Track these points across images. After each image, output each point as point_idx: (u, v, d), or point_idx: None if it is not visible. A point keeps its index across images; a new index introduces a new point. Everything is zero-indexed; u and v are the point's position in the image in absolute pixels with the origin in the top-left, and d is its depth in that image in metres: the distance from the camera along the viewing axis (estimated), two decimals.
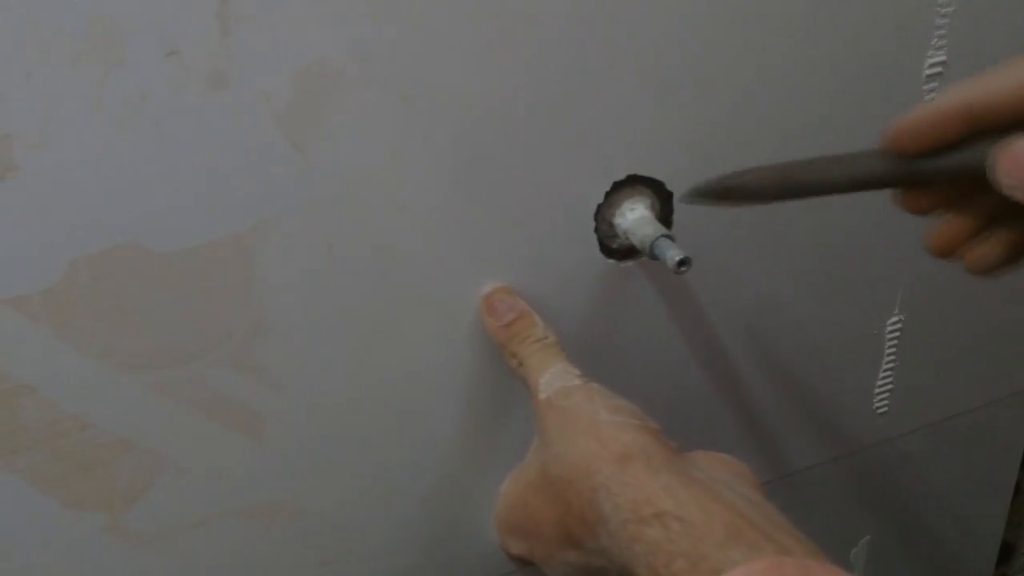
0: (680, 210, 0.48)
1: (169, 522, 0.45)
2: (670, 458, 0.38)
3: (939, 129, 0.34)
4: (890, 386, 0.60)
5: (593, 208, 0.46)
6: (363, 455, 0.48)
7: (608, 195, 0.46)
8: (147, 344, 0.41)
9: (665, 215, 0.47)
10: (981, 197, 0.37)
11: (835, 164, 0.37)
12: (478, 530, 0.52)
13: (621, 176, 0.46)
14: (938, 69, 0.50)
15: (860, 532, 0.67)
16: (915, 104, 0.48)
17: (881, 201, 0.52)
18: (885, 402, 0.60)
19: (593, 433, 0.39)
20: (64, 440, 0.41)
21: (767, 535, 0.34)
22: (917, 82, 0.50)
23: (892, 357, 0.59)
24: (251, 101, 0.38)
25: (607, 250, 0.48)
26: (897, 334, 0.58)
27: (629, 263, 0.49)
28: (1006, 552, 0.82)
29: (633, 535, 0.35)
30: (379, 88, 0.40)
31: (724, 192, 0.39)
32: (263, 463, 0.46)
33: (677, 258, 0.43)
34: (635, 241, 0.46)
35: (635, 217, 0.46)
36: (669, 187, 0.47)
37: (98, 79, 0.36)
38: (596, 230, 0.47)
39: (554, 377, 0.43)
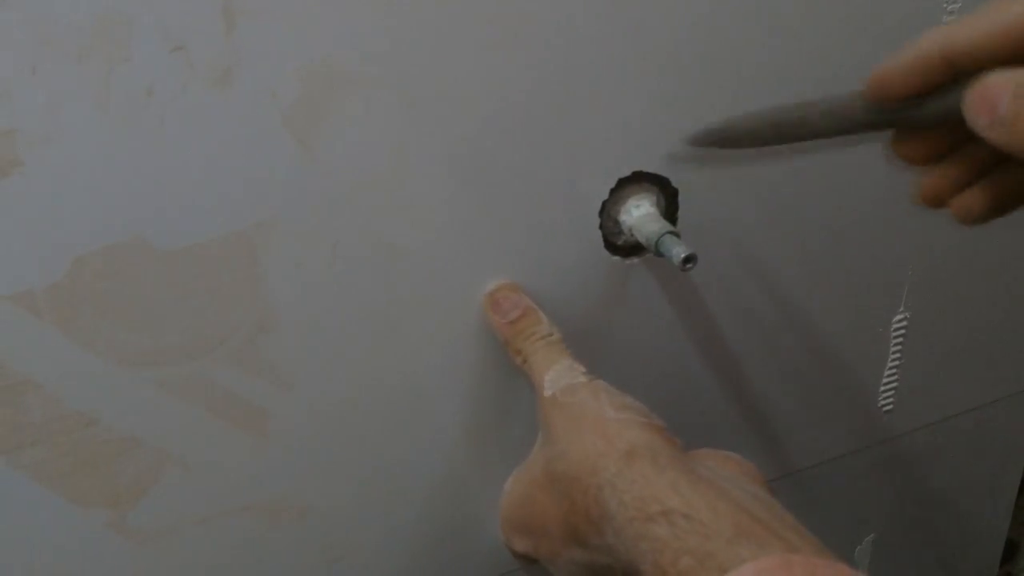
0: (685, 207, 0.48)
1: (174, 519, 0.45)
2: (676, 455, 0.38)
3: (919, 73, 0.33)
4: (895, 384, 0.60)
5: (598, 205, 0.46)
6: (368, 452, 0.48)
7: (613, 192, 0.46)
8: (152, 341, 0.41)
9: (670, 212, 0.47)
10: (969, 145, 0.35)
11: (824, 108, 0.36)
12: (483, 528, 0.52)
13: (626, 173, 0.46)
14: None
15: (865, 530, 0.67)
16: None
17: (887, 198, 0.52)
18: (890, 400, 0.60)
19: (599, 430, 0.39)
20: (69, 436, 0.41)
21: (775, 532, 0.34)
22: None
23: (897, 355, 0.59)
24: (257, 98, 0.38)
25: (612, 247, 0.48)
26: (903, 332, 0.58)
27: (634, 260, 0.48)
28: (1010, 550, 0.82)
29: (639, 532, 0.35)
30: (384, 86, 0.40)
31: (720, 137, 0.39)
32: (268, 460, 0.46)
33: (683, 255, 0.42)
34: (640, 238, 0.45)
35: (640, 214, 0.46)
36: (674, 184, 0.47)
37: (103, 75, 0.36)
38: (601, 227, 0.47)
39: (559, 374, 0.43)
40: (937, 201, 0.37)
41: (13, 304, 0.38)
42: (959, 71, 0.33)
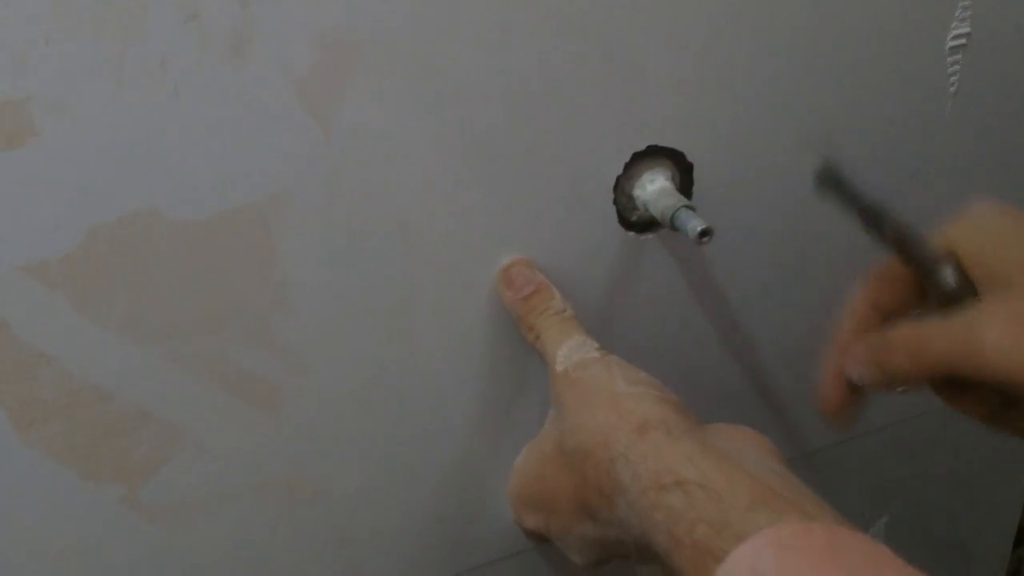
0: (701, 183, 0.47)
1: (187, 496, 0.45)
2: (690, 428, 0.38)
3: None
4: None
5: (612, 180, 0.46)
6: (381, 431, 0.48)
7: (627, 166, 0.46)
8: (166, 315, 0.41)
9: (685, 187, 0.47)
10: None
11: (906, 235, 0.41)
12: (496, 507, 0.51)
13: (641, 147, 0.45)
14: (962, 41, 0.49)
15: (878, 512, 0.67)
16: (939, 73, 0.48)
17: (902, 174, 0.52)
18: None
19: (611, 404, 0.39)
20: (82, 411, 0.41)
21: (792, 502, 0.33)
22: (941, 53, 0.49)
23: None
24: (271, 69, 0.38)
25: (626, 223, 0.47)
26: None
27: (649, 236, 0.48)
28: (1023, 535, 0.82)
29: (653, 503, 0.35)
30: (399, 60, 0.40)
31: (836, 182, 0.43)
32: (281, 439, 0.46)
33: (699, 228, 0.42)
34: (655, 213, 0.45)
35: (655, 188, 0.46)
36: (690, 159, 0.46)
37: (118, 44, 0.35)
38: (615, 202, 0.47)
39: (572, 350, 0.42)
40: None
41: (27, 275, 0.38)
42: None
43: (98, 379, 0.41)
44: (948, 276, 0.40)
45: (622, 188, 0.46)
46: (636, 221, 0.47)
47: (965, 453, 0.67)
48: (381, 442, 0.48)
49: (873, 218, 0.42)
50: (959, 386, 0.41)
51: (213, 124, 0.38)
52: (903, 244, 0.41)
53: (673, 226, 0.44)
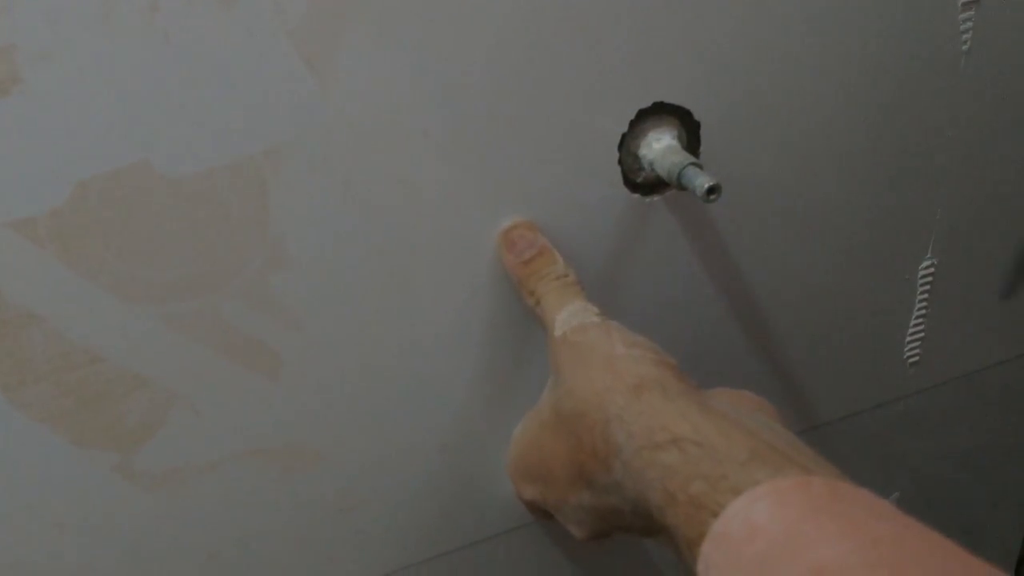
0: (708, 142, 0.46)
1: (182, 463, 0.44)
2: (687, 389, 0.37)
3: None
4: (921, 334, 0.58)
5: (617, 139, 0.45)
6: (381, 397, 0.47)
7: (633, 124, 0.45)
8: (159, 273, 0.40)
9: (692, 146, 0.46)
10: None
11: None
12: (497, 480, 0.50)
13: (647, 104, 0.44)
14: None
15: (888, 489, 0.65)
16: (952, 30, 0.47)
17: (913, 140, 0.51)
18: (916, 351, 0.59)
19: (607, 366, 0.38)
20: (73, 374, 0.40)
21: (790, 458, 0.32)
22: (953, 9, 0.48)
23: (924, 303, 0.57)
24: (263, 13, 0.37)
25: (631, 184, 0.46)
26: (929, 279, 0.56)
27: (654, 198, 0.47)
28: None
29: (648, 461, 0.34)
30: (397, 8, 0.38)
31: None
32: (279, 404, 0.45)
33: (707, 185, 0.41)
34: (661, 171, 0.44)
35: (661, 147, 0.44)
36: (697, 116, 0.45)
37: None
38: (620, 162, 0.45)
39: (571, 315, 0.41)
40: None
41: (13, 231, 0.37)
42: None
43: (89, 340, 0.40)
44: None
45: (627, 147, 0.45)
46: (642, 183, 0.46)
47: (978, 428, 0.66)
48: (380, 409, 0.47)
49: None
50: None
51: (205, 72, 0.37)
52: None
53: (680, 184, 0.42)
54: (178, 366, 0.42)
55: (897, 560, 0.27)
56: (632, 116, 0.44)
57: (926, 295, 0.57)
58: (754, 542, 0.28)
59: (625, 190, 0.46)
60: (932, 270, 0.56)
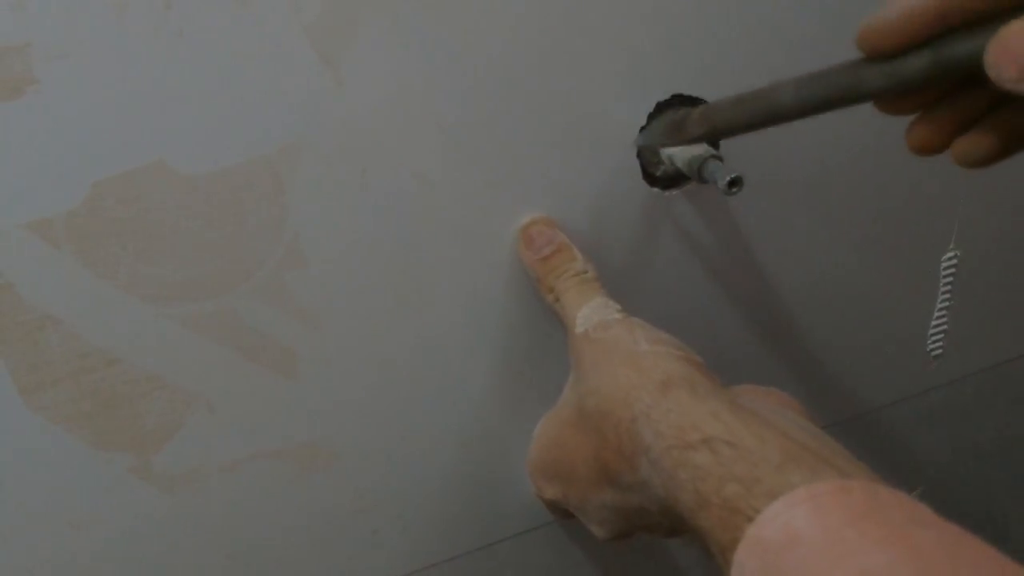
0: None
1: (200, 464, 0.43)
2: (715, 387, 0.36)
3: (911, 25, 0.30)
4: (944, 327, 0.57)
5: (636, 132, 0.44)
6: (398, 397, 0.46)
7: (651, 117, 0.44)
8: (176, 273, 0.39)
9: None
10: (965, 92, 0.32)
11: (800, 85, 0.35)
12: (515, 480, 0.50)
13: (665, 96, 0.44)
14: None
15: (913, 482, 0.65)
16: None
17: None
18: (940, 344, 0.58)
19: (632, 362, 0.38)
20: (90, 376, 0.40)
21: (825, 460, 0.32)
22: None
23: (947, 295, 0.56)
24: (279, 10, 0.36)
25: (650, 178, 0.46)
26: (952, 271, 0.55)
27: (674, 192, 0.46)
28: None
29: (678, 461, 0.33)
30: (412, 3, 0.38)
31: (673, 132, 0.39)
32: (296, 404, 0.44)
33: (729, 177, 0.40)
34: (681, 165, 0.43)
35: None
36: None
37: None
38: (639, 156, 0.45)
39: (592, 311, 0.41)
40: (931, 149, 0.35)
41: (30, 233, 0.36)
42: (949, 22, 0.30)
43: (106, 342, 0.40)
44: None
45: None
46: (661, 176, 0.46)
47: (1003, 421, 0.65)
48: (398, 409, 0.47)
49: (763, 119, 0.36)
50: None
51: (220, 69, 0.36)
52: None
53: (701, 177, 0.42)
54: (195, 367, 0.41)
55: (945, 569, 0.26)
56: (651, 108, 0.44)
57: (949, 287, 0.56)
58: (793, 549, 0.28)
59: (644, 185, 0.46)
60: (955, 262, 0.55)
